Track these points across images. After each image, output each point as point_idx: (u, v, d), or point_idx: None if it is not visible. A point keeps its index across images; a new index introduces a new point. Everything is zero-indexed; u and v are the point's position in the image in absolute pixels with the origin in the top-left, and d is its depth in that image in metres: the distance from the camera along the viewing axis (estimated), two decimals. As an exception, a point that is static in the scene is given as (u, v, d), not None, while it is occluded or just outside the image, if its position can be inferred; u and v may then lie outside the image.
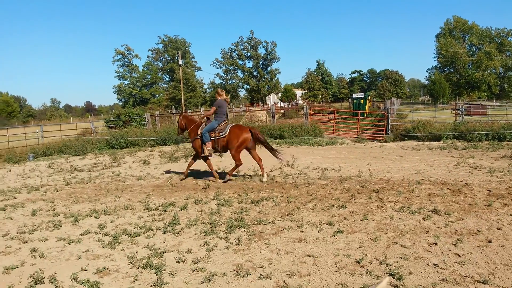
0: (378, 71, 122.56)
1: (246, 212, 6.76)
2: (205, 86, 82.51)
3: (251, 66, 73.81)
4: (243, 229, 5.87)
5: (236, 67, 73.99)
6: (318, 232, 5.62)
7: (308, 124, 20.12)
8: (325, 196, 7.66)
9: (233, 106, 66.59)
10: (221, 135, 9.69)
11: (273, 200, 7.45)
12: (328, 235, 5.45)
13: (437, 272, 4.17)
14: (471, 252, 4.70)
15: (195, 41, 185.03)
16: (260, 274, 4.28)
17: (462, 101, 46.20)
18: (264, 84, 72.99)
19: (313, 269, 4.37)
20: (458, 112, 19.52)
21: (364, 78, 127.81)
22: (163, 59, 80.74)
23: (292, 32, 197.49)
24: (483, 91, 73.02)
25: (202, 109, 49.36)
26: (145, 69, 79.85)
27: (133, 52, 77.23)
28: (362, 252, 4.76)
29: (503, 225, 5.61)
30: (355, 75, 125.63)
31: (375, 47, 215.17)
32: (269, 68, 73.64)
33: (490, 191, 7.55)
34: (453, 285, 3.86)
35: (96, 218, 6.99)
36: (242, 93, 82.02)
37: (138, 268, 4.67)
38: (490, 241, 5.00)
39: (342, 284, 3.92)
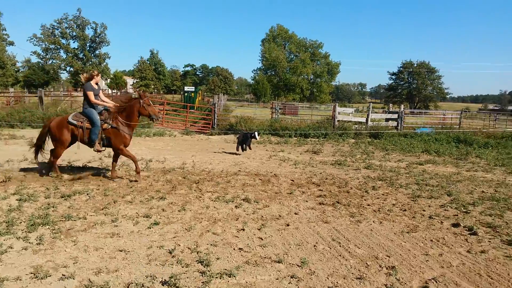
0: (210, 67, 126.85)
1: (53, 207, 6.07)
2: (19, 64, 70.94)
3: (76, 47, 66.87)
4: (47, 226, 5.26)
5: (59, 47, 65.88)
6: (134, 225, 5.47)
7: (136, 114, 19.40)
8: (146, 188, 7.51)
9: (52, 90, 59.22)
10: None
11: (87, 194, 6.91)
12: (144, 228, 5.36)
13: (242, 255, 4.55)
14: (272, 235, 5.29)
15: (8, 11, 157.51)
16: (62, 275, 3.92)
17: (279, 101, 51.73)
18: (90, 68, 67.12)
19: (123, 264, 4.23)
20: (274, 110, 21.77)
21: (197, 73, 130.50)
22: (-39, 27, 66.08)
23: (125, 16, 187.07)
24: (297, 94, 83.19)
25: (11, 89, 42.22)
26: None
27: None
28: (175, 242, 4.84)
29: (299, 210, 6.49)
30: (189, 68, 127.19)
31: (208, 44, 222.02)
32: (97, 52, 68.01)
33: (293, 180, 8.65)
34: (254, 266, 4.27)
35: None
36: (65, 75, 73.72)
37: None
38: (288, 225, 5.73)
39: (151, 276, 3.91)
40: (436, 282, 4.05)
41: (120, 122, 8.04)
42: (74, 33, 65.72)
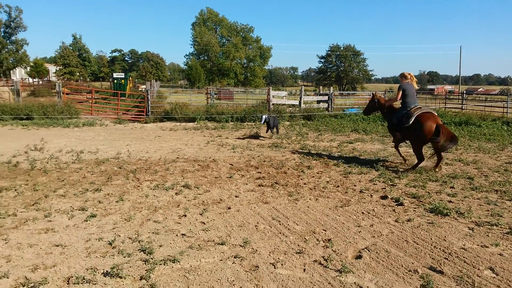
0: (140, 52, 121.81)
1: (-24, 207, 5.65)
2: None
3: (-12, 33, 60.62)
4: (-29, 227, 4.89)
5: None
6: (69, 219, 5.26)
7: (62, 103, 18.41)
8: (79, 181, 7.21)
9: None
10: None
11: (15, 190, 6.48)
12: (80, 221, 5.18)
13: (185, 241, 4.59)
14: (214, 219, 5.37)
15: None
16: (-6, 275, 3.69)
17: (214, 87, 51.40)
18: (7, 55, 61.34)
19: (61, 258, 4.08)
20: (210, 96, 21.66)
21: (126, 58, 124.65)
22: None
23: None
24: (231, 78, 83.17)
25: None
26: None
27: None
28: (115, 233, 4.75)
29: (240, 193, 6.63)
30: (116, 54, 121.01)
31: (136, 27, 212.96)
32: (13, 38, 62.28)
33: (232, 165, 8.76)
34: (197, 250, 4.33)
35: None
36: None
37: None
38: (229, 208, 5.83)
39: (92, 268, 3.81)
40: (369, 250, 4.39)
41: None
42: (-16, 18, 59.49)
